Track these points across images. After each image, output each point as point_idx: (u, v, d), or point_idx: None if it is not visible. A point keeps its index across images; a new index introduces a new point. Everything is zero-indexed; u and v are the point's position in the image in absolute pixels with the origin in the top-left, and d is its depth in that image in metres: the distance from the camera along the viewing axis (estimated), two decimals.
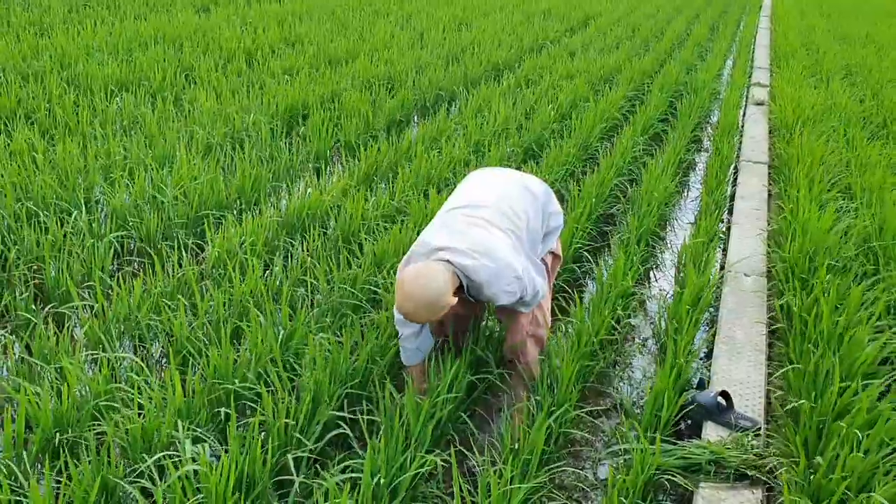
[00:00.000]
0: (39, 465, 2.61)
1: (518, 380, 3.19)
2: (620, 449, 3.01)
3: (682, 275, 4.26)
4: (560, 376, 3.08)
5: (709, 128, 7.96)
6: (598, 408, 3.40)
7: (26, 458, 2.51)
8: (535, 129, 6.36)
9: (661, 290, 4.45)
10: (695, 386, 3.39)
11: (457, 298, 2.76)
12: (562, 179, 5.46)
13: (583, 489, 2.94)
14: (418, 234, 4.14)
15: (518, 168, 5.59)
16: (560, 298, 4.01)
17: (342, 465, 2.62)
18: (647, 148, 6.59)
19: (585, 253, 4.51)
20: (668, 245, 5.12)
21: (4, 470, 2.43)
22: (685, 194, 6.14)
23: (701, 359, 3.76)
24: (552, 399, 3.00)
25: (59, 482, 2.49)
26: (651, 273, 4.76)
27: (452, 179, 5.11)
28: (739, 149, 6.93)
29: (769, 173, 6.29)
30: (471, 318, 3.34)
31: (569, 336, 3.46)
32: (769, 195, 5.78)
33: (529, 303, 3.02)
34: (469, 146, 5.80)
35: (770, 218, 5.26)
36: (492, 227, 2.89)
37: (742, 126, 7.77)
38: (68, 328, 3.23)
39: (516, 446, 2.74)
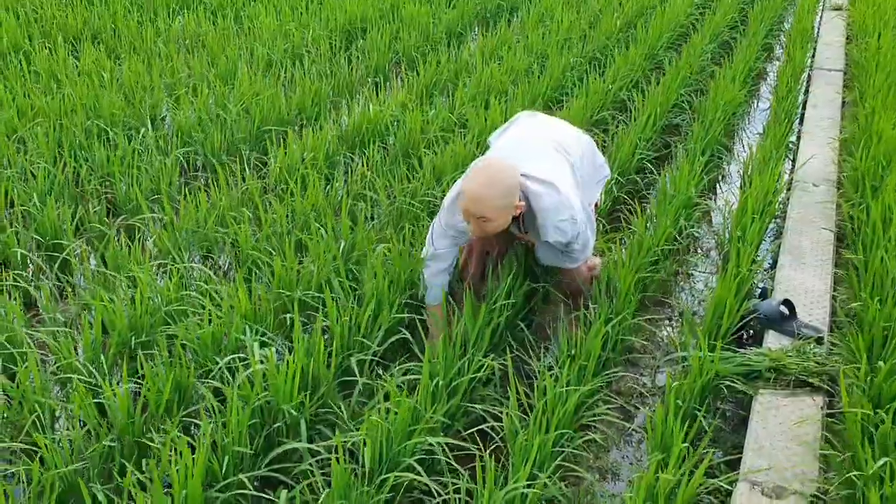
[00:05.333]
0: (117, 368, 2.75)
1: (576, 294, 3.19)
2: (679, 356, 3.01)
3: (747, 185, 4.16)
4: (619, 285, 3.08)
5: (781, 35, 7.61)
6: (658, 317, 3.40)
7: (104, 361, 2.64)
8: (598, 38, 6.19)
9: (726, 201, 4.35)
10: (757, 295, 3.35)
11: (524, 203, 2.70)
12: (626, 88, 5.33)
13: (641, 394, 2.97)
14: (477, 146, 4.14)
15: (581, 79, 5.46)
16: (623, 209, 3.97)
17: (402, 368, 2.70)
18: (715, 57, 6.36)
19: (648, 164, 4.44)
20: (735, 156, 4.99)
21: (85, 372, 2.57)
22: (754, 104, 5.93)
23: (766, 269, 3.71)
24: (610, 307, 3.00)
25: (138, 384, 2.63)
26: (717, 185, 4.66)
27: (513, 91, 5.03)
28: (813, 56, 6.62)
29: (844, 81, 6.02)
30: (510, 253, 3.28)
31: (629, 245, 3.44)
32: (843, 103, 5.54)
33: (577, 256, 2.94)
34: (530, 56, 5.69)
35: (843, 126, 5.07)
36: (557, 162, 2.87)
37: (817, 32, 7.41)
38: (139, 240, 3.35)
39: (573, 352, 2.77)
